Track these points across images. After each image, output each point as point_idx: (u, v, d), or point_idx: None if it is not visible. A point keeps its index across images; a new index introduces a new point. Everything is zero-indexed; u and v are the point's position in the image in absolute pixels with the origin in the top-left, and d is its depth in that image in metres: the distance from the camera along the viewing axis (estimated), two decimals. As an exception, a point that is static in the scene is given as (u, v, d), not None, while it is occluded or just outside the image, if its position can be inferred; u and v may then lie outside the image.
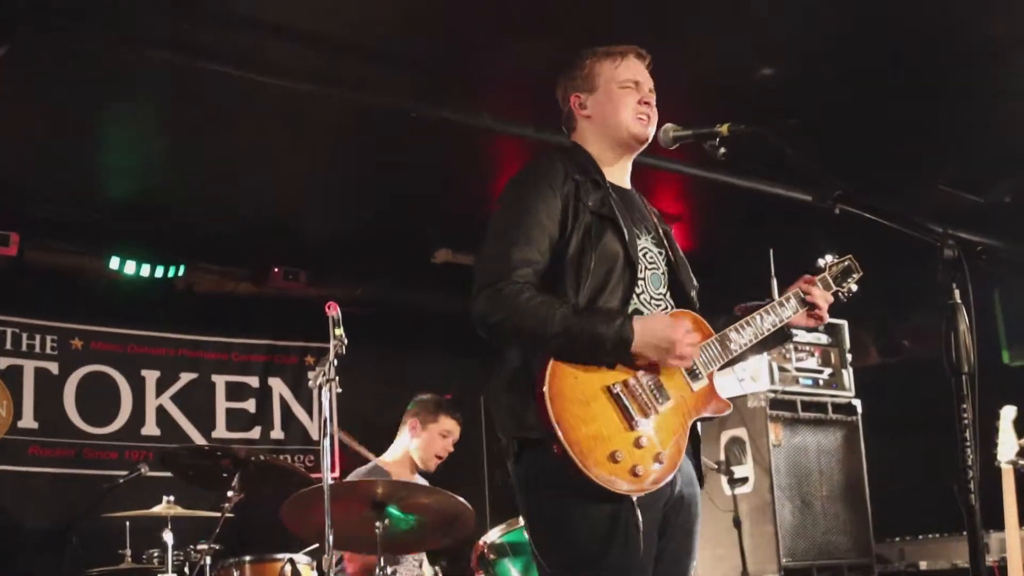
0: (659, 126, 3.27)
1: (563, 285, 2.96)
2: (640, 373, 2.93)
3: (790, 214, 6.81)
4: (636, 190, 3.33)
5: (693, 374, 3.02)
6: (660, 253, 3.19)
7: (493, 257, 2.98)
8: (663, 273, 3.16)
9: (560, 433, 2.78)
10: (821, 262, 3.43)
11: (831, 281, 3.40)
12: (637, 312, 3.04)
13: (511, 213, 3.04)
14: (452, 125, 6.07)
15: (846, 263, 3.47)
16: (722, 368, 3.23)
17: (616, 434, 2.85)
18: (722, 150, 3.14)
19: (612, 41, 3.34)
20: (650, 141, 3.25)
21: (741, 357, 3.28)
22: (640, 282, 3.07)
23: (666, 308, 3.11)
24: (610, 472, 2.80)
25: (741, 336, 3.16)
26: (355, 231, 7.64)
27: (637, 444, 2.85)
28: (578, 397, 2.85)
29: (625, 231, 3.05)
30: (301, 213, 7.28)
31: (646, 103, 3.23)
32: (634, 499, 2.82)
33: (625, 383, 2.91)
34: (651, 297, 3.10)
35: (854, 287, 3.46)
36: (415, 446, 5.92)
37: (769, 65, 5.59)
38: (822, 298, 3.30)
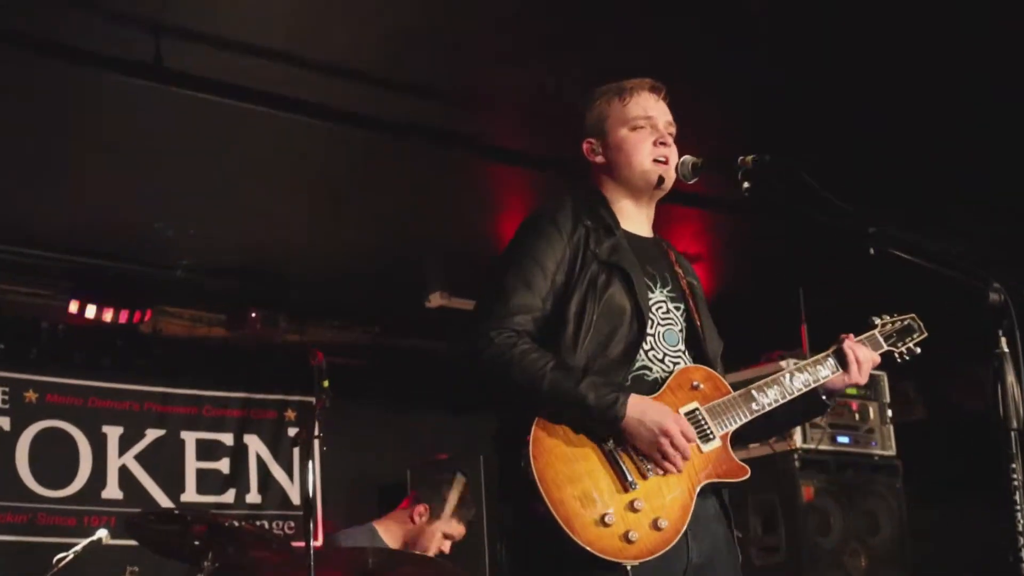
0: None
1: (564, 337, 3.02)
2: None
3: (821, 254, 6.85)
4: (662, 238, 3.38)
5: (704, 434, 3.04)
6: (678, 308, 3.23)
7: (490, 302, 3.07)
8: (680, 330, 3.20)
9: (543, 493, 2.82)
10: (876, 320, 3.46)
11: (882, 340, 3.42)
12: (645, 369, 3.09)
13: (515, 256, 3.12)
14: (448, 158, 6.12)
15: (907, 322, 3.49)
16: (751, 437, 3.28)
17: (607, 495, 2.87)
18: (746, 184, 3.17)
19: (618, 67, 3.38)
20: (673, 183, 3.30)
21: (773, 427, 3.34)
22: (650, 338, 3.11)
23: (682, 364, 3.15)
24: (598, 537, 2.82)
25: (764, 396, 3.16)
26: (341, 272, 7.66)
27: (631, 507, 2.87)
28: (566, 454, 2.89)
29: (635, 282, 3.10)
30: (281, 251, 7.30)
31: (662, 143, 3.27)
32: (628, 568, 2.83)
33: (620, 441, 2.95)
34: (664, 354, 3.14)
35: (917, 349, 3.48)
36: (413, 531, 5.98)
37: (798, 88, 5.61)
38: (866, 358, 3.31)
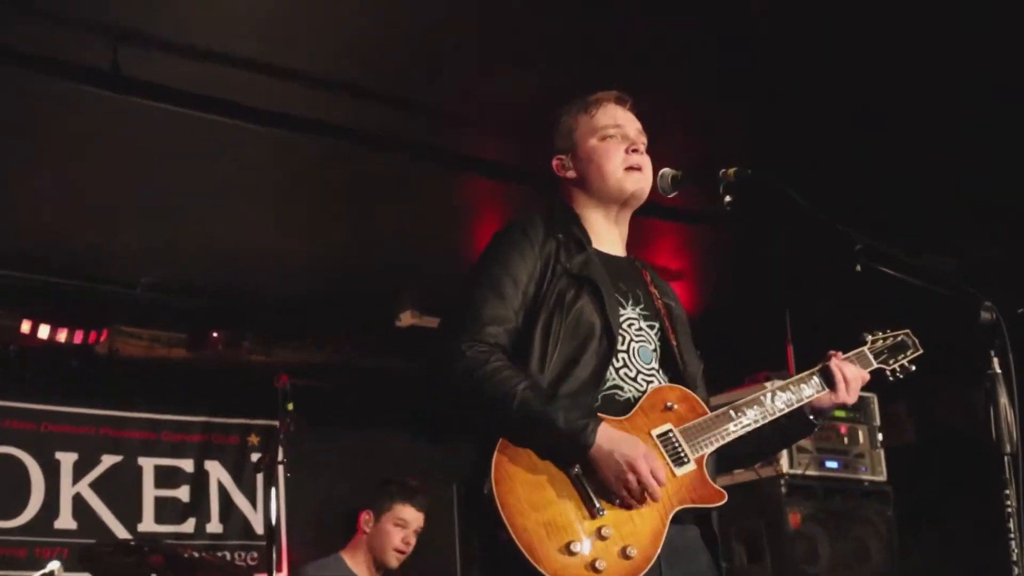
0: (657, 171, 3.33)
1: (531, 353, 3.03)
2: None
3: (808, 270, 6.85)
4: (637, 259, 3.40)
5: (677, 457, 3.03)
6: (652, 327, 3.22)
7: (461, 314, 3.07)
8: (654, 349, 3.20)
9: (506, 519, 2.81)
10: (867, 336, 3.44)
11: (871, 358, 3.41)
12: (616, 388, 3.08)
13: (486, 268, 3.14)
14: (421, 169, 6.10)
15: (900, 338, 3.48)
16: (735, 461, 3.29)
17: (573, 523, 2.86)
18: (728, 198, 3.17)
19: (604, 74, 3.38)
20: (648, 194, 3.30)
21: (757, 450, 3.34)
22: (621, 355, 3.11)
23: (657, 383, 3.14)
24: (564, 566, 2.80)
25: (743, 416, 3.15)
26: (307, 290, 7.64)
27: (599, 535, 2.86)
28: (531, 479, 2.88)
29: (605, 296, 3.10)
30: (245, 268, 7.27)
31: (635, 151, 3.28)
32: None
33: (587, 464, 2.92)
34: (637, 372, 3.13)
35: (911, 367, 3.46)
36: (369, 541, 5.95)
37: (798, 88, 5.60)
38: (854, 376, 3.29)
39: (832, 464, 6.95)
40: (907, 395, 8.98)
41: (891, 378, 3.45)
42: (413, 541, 6.03)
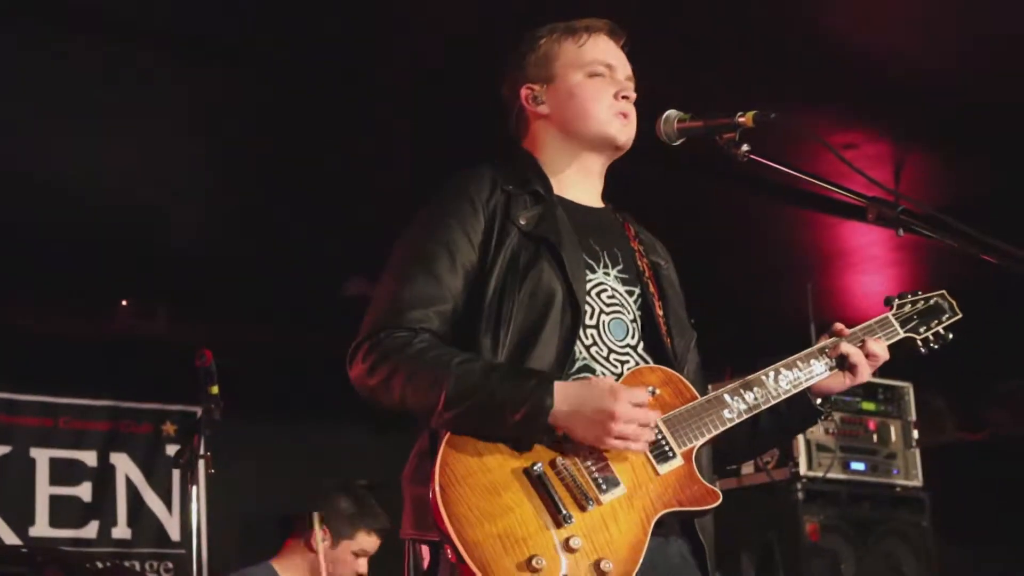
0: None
1: (481, 331, 3.01)
2: (576, 449, 2.93)
3: (835, 236, 6.87)
4: (619, 211, 3.39)
5: (661, 452, 3.01)
6: (631, 292, 3.21)
7: (382, 297, 3.06)
8: (633, 320, 3.18)
9: (453, 532, 2.79)
10: (894, 299, 3.42)
11: (897, 326, 3.37)
12: (587, 370, 3.06)
13: (414, 238, 3.13)
14: (370, 108, 6.08)
15: (933, 300, 3.46)
16: (729, 457, 3.31)
17: (535, 533, 2.84)
18: (745, 147, 3.17)
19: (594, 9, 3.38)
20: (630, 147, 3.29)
21: (756, 443, 3.35)
22: (590, 330, 3.09)
23: (634, 363, 3.13)
24: None
25: (740, 401, 3.13)
26: (235, 251, 7.62)
27: (567, 547, 2.84)
28: (483, 482, 2.86)
29: (566, 259, 3.08)
30: (160, 225, 7.24)
31: (625, 96, 3.27)
32: None
33: (552, 462, 2.91)
34: (610, 350, 3.12)
35: (948, 334, 3.42)
36: (313, 562, 5.98)
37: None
38: (871, 351, 3.26)
39: (859, 466, 6.97)
40: (947, 386, 9.05)
41: (923, 349, 3.42)
42: (366, 570, 6.08)
